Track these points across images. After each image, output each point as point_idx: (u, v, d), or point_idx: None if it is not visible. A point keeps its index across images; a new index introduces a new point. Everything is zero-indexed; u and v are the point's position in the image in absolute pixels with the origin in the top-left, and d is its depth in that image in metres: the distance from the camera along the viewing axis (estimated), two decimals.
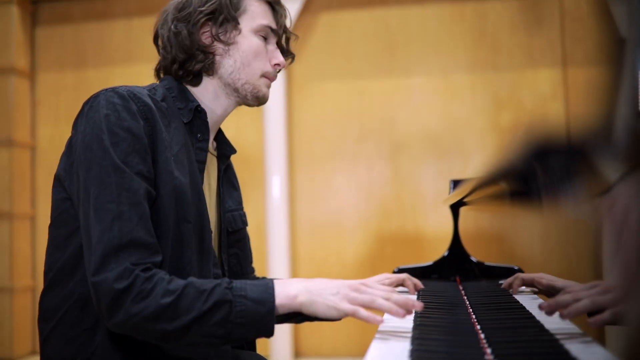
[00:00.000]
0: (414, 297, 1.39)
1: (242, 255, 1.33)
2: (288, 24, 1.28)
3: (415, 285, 1.40)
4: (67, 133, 1.09)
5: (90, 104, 1.04)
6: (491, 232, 2.29)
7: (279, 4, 1.26)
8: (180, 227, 1.06)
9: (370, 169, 3.75)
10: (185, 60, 1.17)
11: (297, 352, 3.72)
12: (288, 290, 0.95)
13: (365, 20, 3.79)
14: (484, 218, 2.22)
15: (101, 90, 1.06)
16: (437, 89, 3.71)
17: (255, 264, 1.50)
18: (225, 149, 1.29)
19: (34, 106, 4.07)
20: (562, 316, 0.88)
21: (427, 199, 3.65)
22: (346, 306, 0.92)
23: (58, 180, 1.10)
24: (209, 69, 1.19)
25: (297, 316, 1.10)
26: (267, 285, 0.95)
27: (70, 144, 1.07)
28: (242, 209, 1.38)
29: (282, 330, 3.49)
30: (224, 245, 1.27)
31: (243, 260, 1.34)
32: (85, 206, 0.98)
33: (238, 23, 1.18)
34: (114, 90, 1.05)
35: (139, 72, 3.90)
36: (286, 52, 1.29)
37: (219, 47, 1.18)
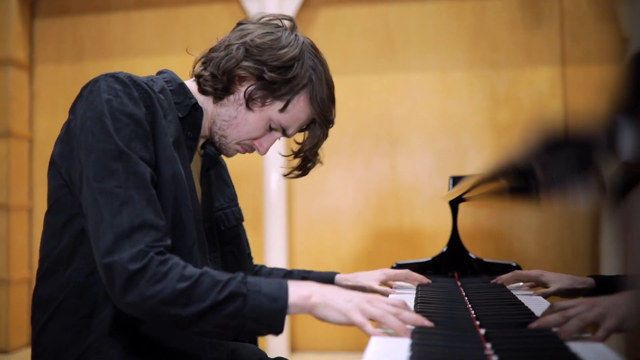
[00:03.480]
0: (414, 293, 1.40)
1: (237, 252, 1.33)
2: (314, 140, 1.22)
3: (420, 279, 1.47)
4: None
5: (90, 89, 1.02)
6: (489, 229, 2.30)
7: (324, 127, 1.21)
8: (180, 214, 1.06)
9: (367, 165, 3.75)
10: (210, 74, 1.15)
11: (293, 347, 3.72)
12: (302, 291, 0.94)
13: (364, 16, 3.79)
14: (482, 215, 2.23)
15: (100, 76, 1.04)
16: (435, 86, 3.71)
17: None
18: (211, 150, 1.28)
19: (32, 98, 4.06)
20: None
21: (424, 195, 3.66)
22: (356, 316, 0.92)
23: (54, 165, 1.09)
24: (216, 98, 1.18)
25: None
26: (281, 284, 0.95)
27: (67, 129, 1.05)
28: (236, 205, 1.36)
29: None
30: (217, 244, 1.27)
31: (239, 256, 1.33)
32: (89, 191, 0.96)
33: (270, 104, 1.15)
34: (114, 75, 1.03)
35: (137, 65, 3.90)
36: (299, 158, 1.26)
37: (240, 97, 1.16)
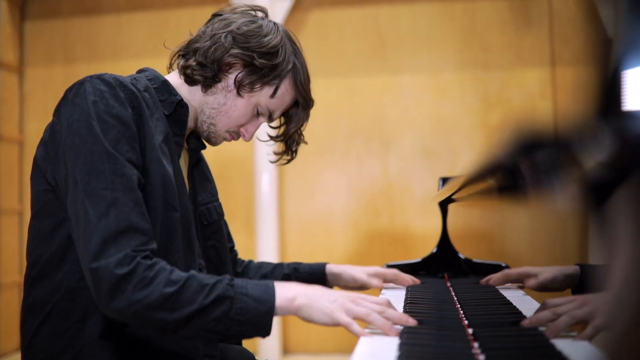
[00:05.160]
0: (403, 293, 1.41)
1: (220, 246, 1.33)
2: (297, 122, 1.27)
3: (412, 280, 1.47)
4: None
5: (75, 91, 1.02)
6: (480, 230, 2.31)
7: (307, 108, 1.26)
8: (169, 215, 1.06)
9: (359, 166, 3.76)
10: (198, 63, 1.16)
11: (285, 349, 3.72)
12: (286, 293, 0.95)
13: (356, 18, 3.80)
14: (472, 216, 2.24)
15: (86, 77, 1.04)
16: (426, 87, 3.72)
17: None
18: (195, 144, 1.28)
19: (22, 101, 4.04)
20: (548, 336, 0.88)
21: (416, 196, 3.67)
22: (341, 317, 0.92)
23: (37, 169, 1.08)
24: (205, 86, 1.19)
25: None
26: (268, 286, 0.96)
27: (51, 131, 1.05)
28: (217, 200, 1.37)
29: None
30: (200, 238, 1.27)
31: (222, 252, 1.33)
32: (76, 193, 0.96)
33: (259, 89, 1.18)
34: (99, 77, 1.03)
35: (128, 67, 3.86)
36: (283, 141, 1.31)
37: (229, 84, 1.18)
